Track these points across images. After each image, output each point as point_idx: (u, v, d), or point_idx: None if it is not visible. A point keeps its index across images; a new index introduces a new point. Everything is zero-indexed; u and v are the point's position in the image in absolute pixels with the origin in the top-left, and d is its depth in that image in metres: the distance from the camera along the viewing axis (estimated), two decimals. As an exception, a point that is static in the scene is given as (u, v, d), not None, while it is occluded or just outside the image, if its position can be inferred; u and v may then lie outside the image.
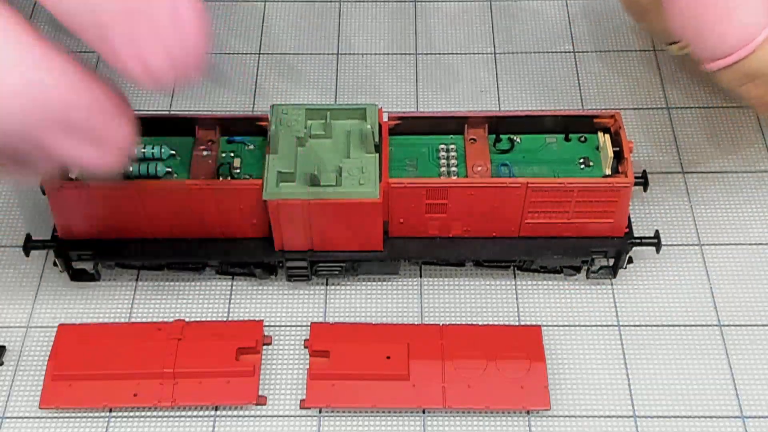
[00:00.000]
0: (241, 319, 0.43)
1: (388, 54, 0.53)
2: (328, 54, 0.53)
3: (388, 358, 0.40)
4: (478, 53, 0.54)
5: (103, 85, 0.31)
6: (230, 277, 0.44)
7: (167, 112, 0.50)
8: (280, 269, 0.43)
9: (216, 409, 0.40)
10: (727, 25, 0.38)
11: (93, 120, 0.31)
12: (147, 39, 0.30)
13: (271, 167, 0.39)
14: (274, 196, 0.39)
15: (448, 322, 0.42)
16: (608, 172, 0.41)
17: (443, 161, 0.41)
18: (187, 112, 0.49)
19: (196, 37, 0.31)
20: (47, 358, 0.41)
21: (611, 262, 0.43)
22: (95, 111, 0.31)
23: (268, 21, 0.55)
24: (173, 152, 0.41)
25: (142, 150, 0.41)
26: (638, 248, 0.43)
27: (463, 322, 0.43)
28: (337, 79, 0.52)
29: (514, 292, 0.44)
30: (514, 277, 0.44)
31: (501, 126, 0.42)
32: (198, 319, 0.43)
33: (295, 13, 0.56)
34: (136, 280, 0.44)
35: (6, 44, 0.29)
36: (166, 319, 0.43)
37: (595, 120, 0.42)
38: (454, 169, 0.41)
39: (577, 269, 0.43)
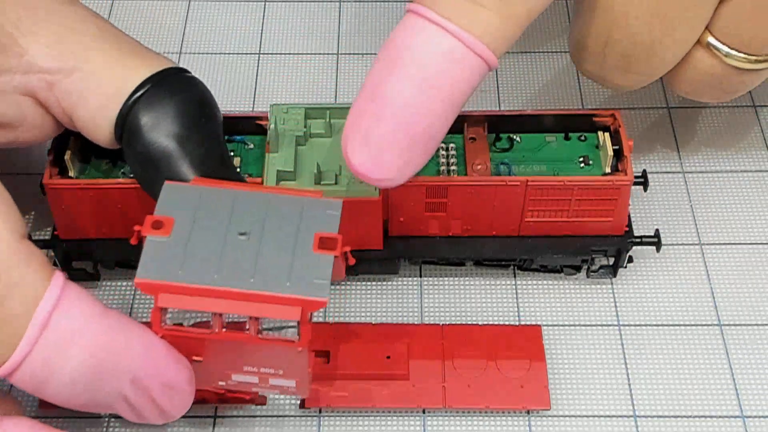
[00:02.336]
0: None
1: (388, 54, 0.53)
2: (328, 54, 0.53)
3: (388, 358, 0.40)
4: (478, 53, 0.53)
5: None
6: (230, 276, 0.44)
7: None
8: (280, 269, 0.43)
9: (216, 409, 0.40)
10: None
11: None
12: (145, 407, 0.34)
13: (271, 166, 0.39)
14: None
15: (448, 322, 0.42)
16: (608, 170, 0.41)
17: (443, 160, 0.41)
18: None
19: (185, 400, 0.35)
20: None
21: (611, 261, 0.43)
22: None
23: (268, 21, 0.55)
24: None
25: None
26: (638, 247, 0.43)
27: (463, 322, 0.43)
28: (337, 79, 0.52)
29: (514, 291, 0.44)
30: (514, 276, 0.44)
31: (500, 125, 0.42)
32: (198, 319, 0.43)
33: (295, 13, 0.56)
34: (136, 280, 0.44)
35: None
36: (165, 319, 0.43)
37: (595, 119, 0.42)
38: (453, 167, 0.41)
39: (577, 268, 0.43)
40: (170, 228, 0.33)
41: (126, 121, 0.37)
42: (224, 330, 0.33)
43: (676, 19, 0.37)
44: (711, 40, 0.38)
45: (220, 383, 0.36)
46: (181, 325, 0.33)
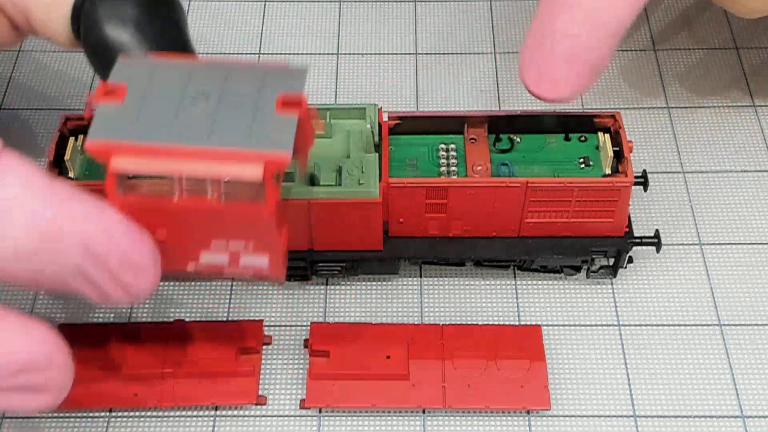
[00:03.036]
0: (241, 319, 0.43)
1: (388, 54, 0.53)
2: (328, 54, 0.53)
3: (388, 358, 0.40)
4: (478, 53, 0.54)
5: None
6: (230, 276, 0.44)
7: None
8: (280, 269, 0.43)
9: (216, 409, 0.40)
10: None
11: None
12: (106, 284, 0.31)
13: None
14: None
15: (448, 322, 0.42)
16: (608, 171, 0.41)
17: (443, 161, 0.41)
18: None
19: (149, 277, 0.32)
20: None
21: (611, 261, 0.43)
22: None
23: (268, 21, 0.55)
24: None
25: None
26: (638, 248, 0.43)
27: (463, 322, 0.43)
28: (337, 79, 0.52)
29: (514, 291, 0.44)
30: (514, 276, 0.44)
31: (501, 125, 0.42)
32: (198, 319, 0.43)
33: (295, 13, 0.56)
34: (136, 280, 0.44)
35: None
36: (166, 319, 0.43)
37: (595, 119, 0.42)
38: (453, 168, 0.41)
39: (578, 269, 0.43)
40: (123, 95, 0.31)
41: (82, 11, 0.35)
42: (185, 196, 0.30)
43: None
44: None
45: (189, 266, 0.34)
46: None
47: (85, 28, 0.35)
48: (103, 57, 0.35)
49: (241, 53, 0.53)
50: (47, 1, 0.35)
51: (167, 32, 0.36)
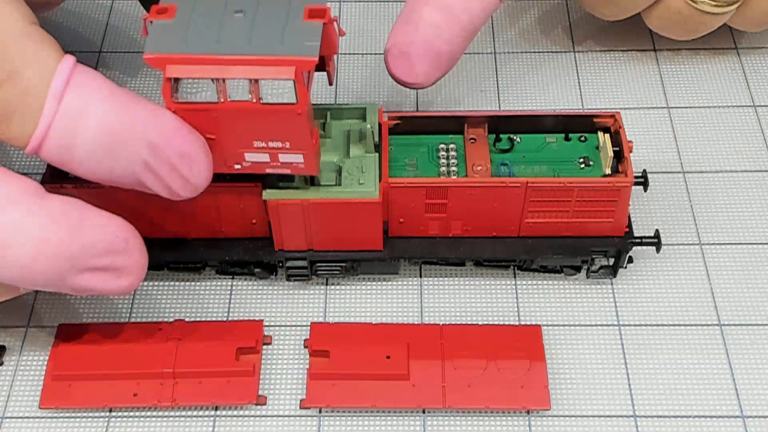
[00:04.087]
0: (241, 319, 0.43)
1: (388, 54, 0.53)
2: (328, 54, 0.53)
3: (388, 358, 0.40)
4: (478, 53, 0.54)
5: (108, 219, 0.36)
6: (230, 276, 0.44)
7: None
8: (280, 268, 0.43)
9: (216, 409, 0.40)
10: None
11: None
12: (168, 174, 0.36)
13: None
14: (273, 196, 0.39)
15: (448, 322, 0.42)
16: (608, 171, 0.41)
17: (443, 161, 0.41)
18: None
19: (204, 170, 0.37)
20: (47, 358, 0.41)
21: (611, 261, 0.43)
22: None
23: (268, 21, 0.55)
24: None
25: None
26: (638, 248, 0.43)
27: (463, 322, 0.43)
28: (337, 79, 0.52)
29: (514, 291, 0.44)
30: (514, 276, 0.44)
31: (501, 125, 0.42)
32: (198, 319, 0.43)
33: (295, 13, 0.56)
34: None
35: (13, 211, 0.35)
36: (166, 319, 0.43)
37: (595, 120, 0.42)
38: (453, 168, 0.41)
39: (578, 269, 0.43)
40: (173, 13, 0.36)
41: None
42: (230, 100, 0.35)
43: None
44: None
45: (236, 166, 0.38)
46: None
47: None
48: None
49: (241, 53, 0.53)
50: None
51: None
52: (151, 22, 0.36)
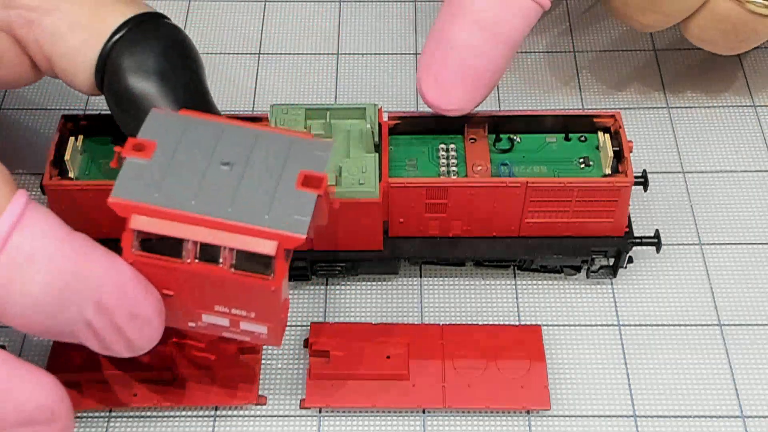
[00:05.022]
0: (241, 319, 0.43)
1: (388, 54, 0.53)
2: (328, 54, 0.53)
3: (388, 358, 0.40)
4: (478, 53, 0.53)
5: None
6: (230, 277, 0.44)
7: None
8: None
9: (216, 409, 0.40)
10: None
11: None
12: (110, 336, 0.33)
13: None
14: None
15: (448, 322, 0.42)
16: (608, 171, 0.41)
17: (443, 161, 0.41)
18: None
19: (153, 332, 0.33)
20: (47, 358, 0.41)
21: (611, 261, 0.43)
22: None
23: (268, 21, 0.55)
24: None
25: None
26: (638, 248, 0.43)
27: (463, 322, 0.43)
28: (337, 79, 0.52)
29: (514, 291, 0.44)
30: (514, 276, 0.44)
31: (501, 125, 0.42)
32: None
33: (295, 13, 0.56)
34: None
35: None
36: (166, 319, 0.43)
37: (595, 120, 0.42)
38: (453, 168, 0.41)
39: (578, 269, 0.43)
40: (152, 152, 0.32)
41: (107, 61, 0.36)
42: (197, 261, 0.32)
43: None
44: None
45: (190, 324, 0.35)
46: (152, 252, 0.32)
47: (109, 78, 0.36)
48: (127, 107, 0.36)
49: (241, 53, 0.53)
50: (74, 47, 0.36)
51: (190, 84, 0.37)
52: (125, 158, 0.32)
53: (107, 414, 0.40)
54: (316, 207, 0.32)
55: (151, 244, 0.32)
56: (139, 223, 0.31)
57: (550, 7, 0.37)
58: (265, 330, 0.34)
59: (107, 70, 0.36)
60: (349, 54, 0.53)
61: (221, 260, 0.31)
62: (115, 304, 0.32)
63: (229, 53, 0.53)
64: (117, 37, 0.36)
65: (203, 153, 0.32)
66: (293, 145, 0.33)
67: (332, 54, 0.53)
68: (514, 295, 0.44)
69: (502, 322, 0.43)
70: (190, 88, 0.36)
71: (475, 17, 0.37)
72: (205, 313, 0.34)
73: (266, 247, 0.31)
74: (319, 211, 0.32)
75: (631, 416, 0.40)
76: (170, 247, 0.32)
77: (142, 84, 0.35)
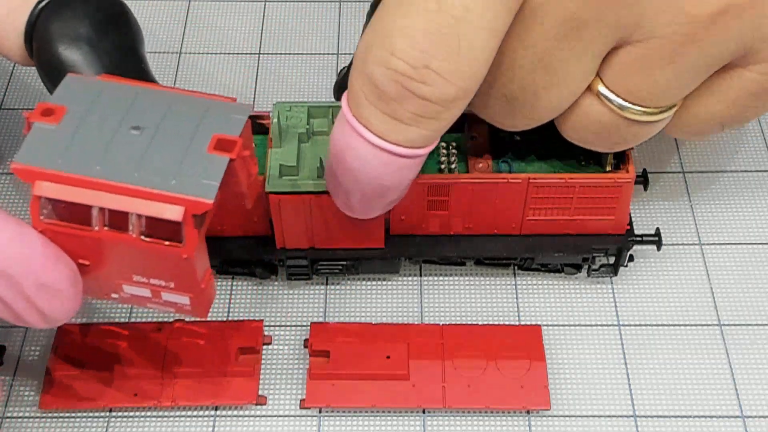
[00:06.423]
0: (241, 319, 0.43)
1: (388, 54, 0.53)
2: (328, 54, 0.53)
3: (388, 358, 0.40)
4: (478, 53, 0.53)
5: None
6: (230, 276, 0.44)
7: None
8: (281, 268, 0.43)
9: (216, 409, 0.40)
10: None
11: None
12: (21, 306, 0.32)
13: (274, 161, 0.39)
14: (276, 188, 0.39)
15: (448, 322, 0.42)
16: (609, 168, 0.41)
17: (444, 158, 0.41)
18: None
19: (67, 303, 0.32)
20: (47, 358, 0.41)
21: (612, 260, 0.43)
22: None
23: (268, 21, 0.55)
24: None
25: None
26: (639, 247, 0.43)
27: (463, 322, 0.43)
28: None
29: (514, 291, 0.44)
30: (515, 275, 0.44)
31: (501, 124, 0.42)
32: (198, 319, 0.43)
33: (295, 13, 0.56)
34: (136, 279, 0.44)
35: None
36: (165, 320, 0.43)
37: (596, 118, 0.42)
38: (454, 166, 0.41)
39: (578, 267, 0.43)
40: (60, 117, 0.31)
41: (35, 28, 0.35)
42: (106, 228, 0.31)
43: (560, 69, 0.34)
44: (602, 89, 0.35)
45: (113, 295, 0.34)
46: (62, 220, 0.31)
47: (37, 45, 0.35)
48: (54, 76, 0.35)
49: (241, 53, 0.53)
50: (2, 16, 0.35)
51: (121, 53, 0.36)
52: (33, 123, 0.31)
53: (107, 414, 0.40)
54: (229, 172, 0.31)
55: (65, 211, 0.31)
56: (44, 189, 0.30)
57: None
58: (187, 301, 0.33)
59: (35, 37, 0.35)
60: (349, 54, 0.53)
61: (131, 227, 0.30)
62: (21, 273, 0.31)
63: (229, 53, 0.53)
64: (45, 2, 0.35)
65: (115, 118, 0.31)
66: (210, 109, 0.32)
67: (332, 54, 0.53)
68: (515, 295, 0.44)
69: (502, 322, 0.43)
70: (121, 57, 0.35)
71: (359, 175, 0.35)
72: (125, 283, 0.33)
73: (172, 213, 0.30)
74: (233, 177, 0.31)
75: (631, 416, 0.40)
76: (81, 214, 0.31)
77: (69, 51, 0.35)
